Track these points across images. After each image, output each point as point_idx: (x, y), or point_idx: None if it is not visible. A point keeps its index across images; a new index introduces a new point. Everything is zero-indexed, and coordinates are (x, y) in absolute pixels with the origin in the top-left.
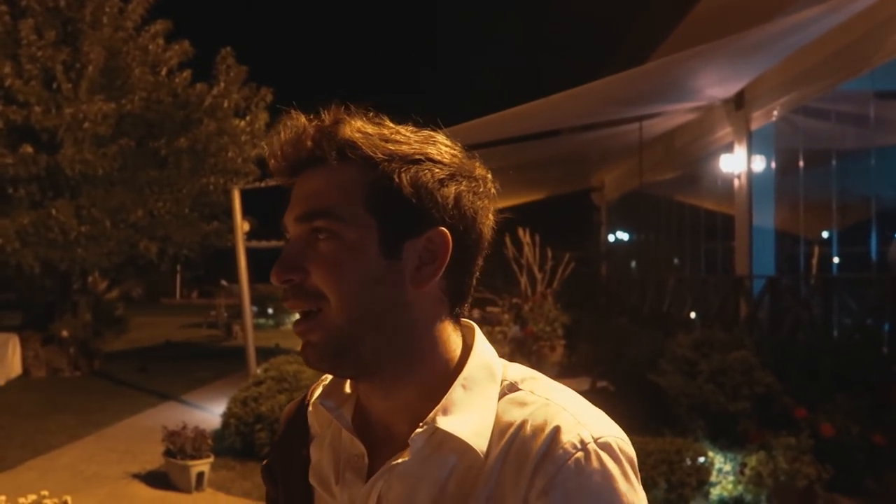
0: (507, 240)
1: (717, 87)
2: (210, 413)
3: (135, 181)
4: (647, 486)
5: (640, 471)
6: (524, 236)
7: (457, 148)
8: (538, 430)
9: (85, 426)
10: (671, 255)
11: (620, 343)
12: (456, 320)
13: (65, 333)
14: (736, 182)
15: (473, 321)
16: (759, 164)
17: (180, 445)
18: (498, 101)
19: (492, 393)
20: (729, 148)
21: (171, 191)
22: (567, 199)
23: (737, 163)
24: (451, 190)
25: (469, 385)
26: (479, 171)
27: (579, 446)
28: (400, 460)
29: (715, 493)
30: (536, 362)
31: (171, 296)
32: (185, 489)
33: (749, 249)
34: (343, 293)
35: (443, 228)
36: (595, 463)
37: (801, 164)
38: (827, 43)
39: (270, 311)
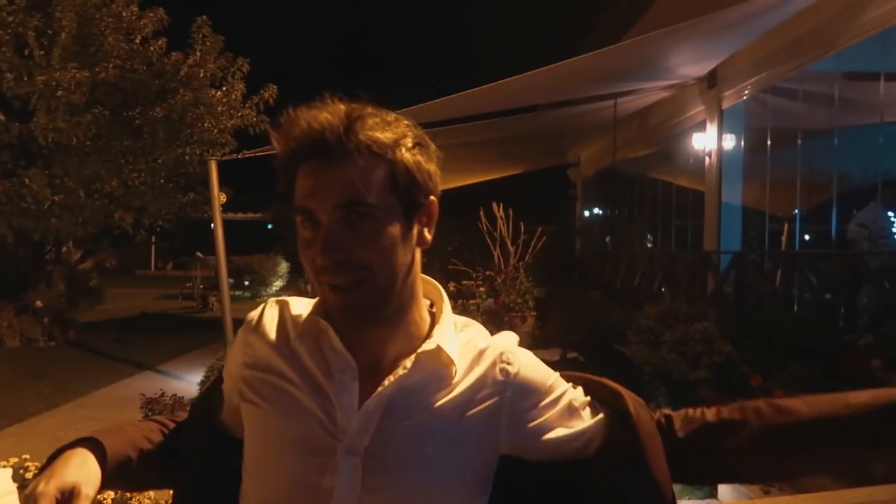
0: (482, 214)
1: (690, 65)
2: (187, 382)
3: (109, 151)
4: None
5: None
6: (498, 210)
7: (419, 126)
8: (488, 354)
9: (62, 394)
10: (644, 230)
11: (592, 315)
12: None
13: (39, 303)
14: (707, 160)
15: (449, 294)
16: (729, 142)
17: (159, 412)
18: (476, 78)
19: (453, 329)
20: (701, 126)
21: (147, 161)
22: (545, 174)
23: (708, 141)
24: (433, 166)
25: (444, 324)
26: (433, 143)
27: (510, 351)
28: (402, 372)
29: None
30: None
31: (145, 267)
32: None
33: (717, 225)
34: (385, 261)
35: (434, 198)
36: (520, 354)
37: (769, 142)
38: (797, 24)
39: (247, 282)
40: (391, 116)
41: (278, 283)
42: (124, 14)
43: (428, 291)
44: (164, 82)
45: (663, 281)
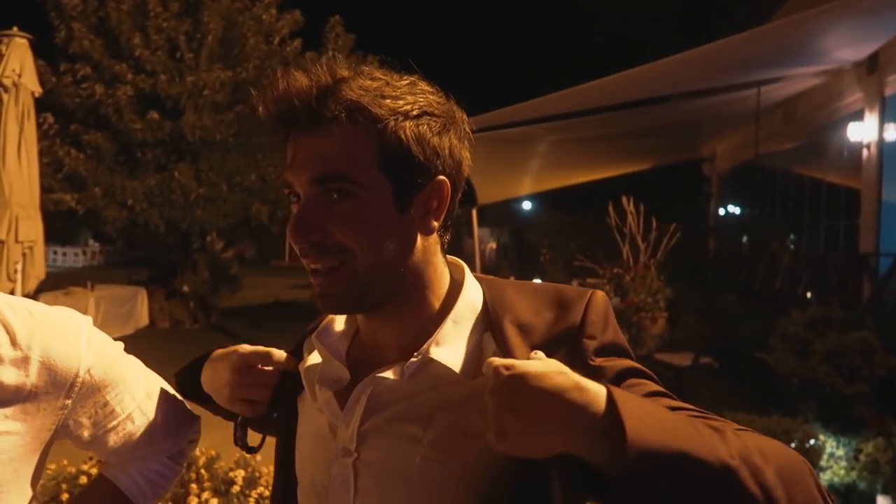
0: (610, 208)
1: (846, 48)
2: None
3: (248, 146)
4: None
5: None
6: (627, 205)
7: (439, 93)
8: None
9: None
10: (787, 230)
11: (727, 319)
12: (445, 256)
13: (186, 289)
14: (865, 153)
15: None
16: (892, 133)
17: None
18: (606, 67)
19: (477, 328)
20: (858, 116)
21: (282, 156)
22: (674, 169)
23: (867, 132)
24: (446, 141)
25: (459, 321)
26: (459, 114)
27: None
28: (386, 374)
29: (825, 478)
30: (637, 334)
31: (280, 258)
32: None
33: (876, 225)
34: (366, 247)
35: (444, 178)
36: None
37: None
38: None
39: None
40: (403, 81)
41: None
42: (264, 17)
43: (458, 275)
44: None
45: (809, 285)
